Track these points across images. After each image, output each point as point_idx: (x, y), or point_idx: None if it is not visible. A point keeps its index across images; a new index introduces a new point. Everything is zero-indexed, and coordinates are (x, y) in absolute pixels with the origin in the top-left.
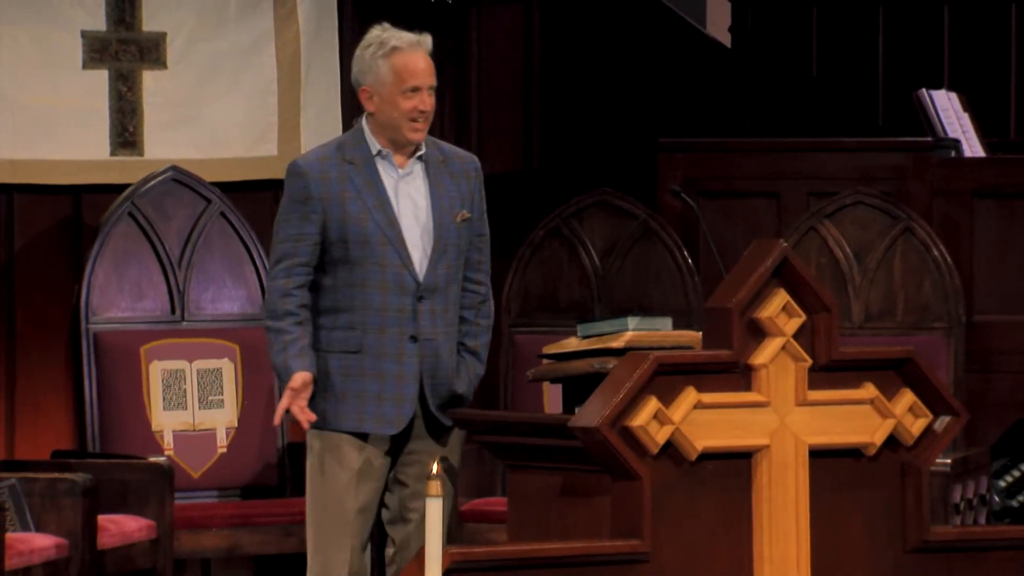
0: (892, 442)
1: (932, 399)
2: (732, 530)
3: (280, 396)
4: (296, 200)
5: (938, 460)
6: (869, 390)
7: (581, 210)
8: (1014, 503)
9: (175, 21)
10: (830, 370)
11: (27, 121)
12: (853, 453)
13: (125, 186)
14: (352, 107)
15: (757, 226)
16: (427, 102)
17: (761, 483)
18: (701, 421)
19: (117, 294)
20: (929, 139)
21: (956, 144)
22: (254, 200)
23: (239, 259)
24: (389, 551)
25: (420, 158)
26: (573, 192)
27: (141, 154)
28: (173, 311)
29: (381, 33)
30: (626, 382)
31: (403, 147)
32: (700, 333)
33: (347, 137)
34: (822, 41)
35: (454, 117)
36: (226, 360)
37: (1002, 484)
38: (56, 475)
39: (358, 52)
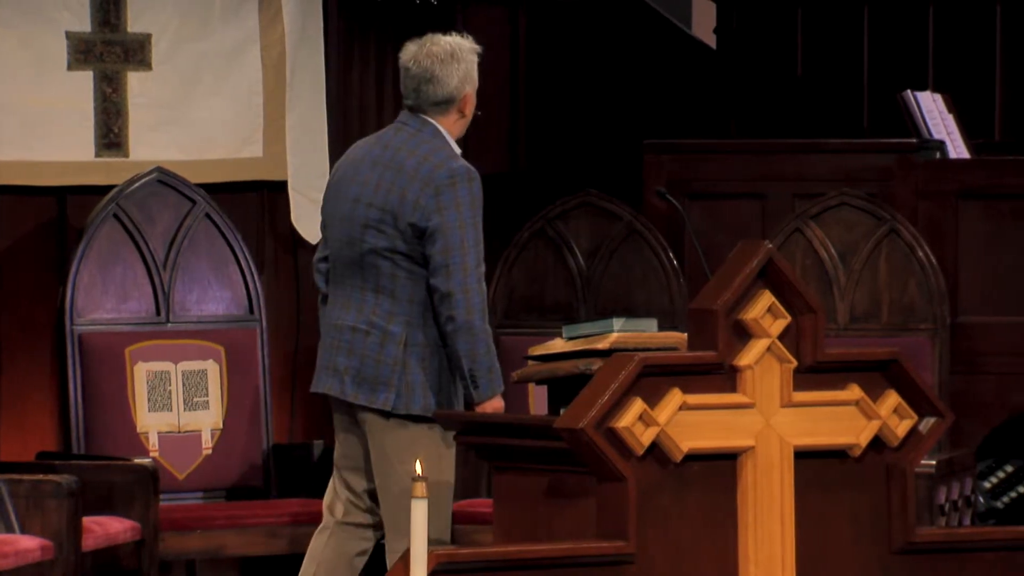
0: (877, 443)
1: (917, 400)
2: (718, 531)
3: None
4: (478, 205)
5: (923, 461)
6: (854, 391)
7: (566, 211)
8: (999, 504)
9: (160, 22)
10: (815, 371)
11: (11, 122)
12: (838, 454)
13: (110, 187)
14: (337, 109)
15: (742, 227)
16: None
17: (746, 484)
18: (686, 422)
19: (102, 295)
20: (914, 140)
21: (941, 145)
22: (239, 201)
23: (224, 260)
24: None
25: None
26: (559, 193)
27: (126, 155)
28: (158, 312)
29: (462, 40)
30: (611, 383)
31: None
32: (685, 334)
33: (447, 141)
34: (807, 42)
35: None
36: (211, 362)
37: (987, 485)
38: (41, 476)
39: (455, 63)
